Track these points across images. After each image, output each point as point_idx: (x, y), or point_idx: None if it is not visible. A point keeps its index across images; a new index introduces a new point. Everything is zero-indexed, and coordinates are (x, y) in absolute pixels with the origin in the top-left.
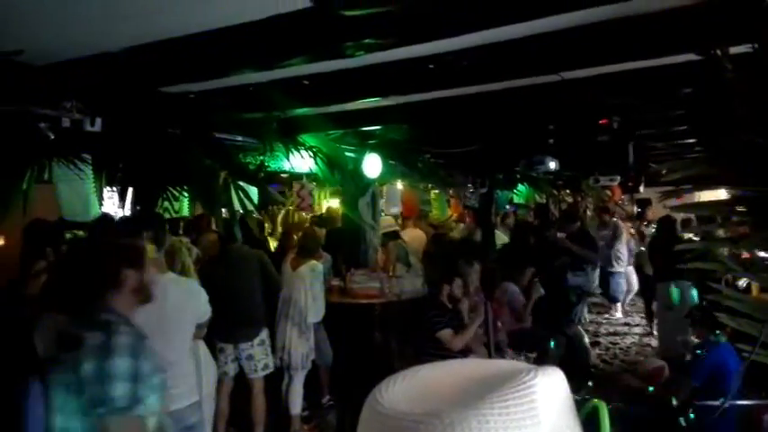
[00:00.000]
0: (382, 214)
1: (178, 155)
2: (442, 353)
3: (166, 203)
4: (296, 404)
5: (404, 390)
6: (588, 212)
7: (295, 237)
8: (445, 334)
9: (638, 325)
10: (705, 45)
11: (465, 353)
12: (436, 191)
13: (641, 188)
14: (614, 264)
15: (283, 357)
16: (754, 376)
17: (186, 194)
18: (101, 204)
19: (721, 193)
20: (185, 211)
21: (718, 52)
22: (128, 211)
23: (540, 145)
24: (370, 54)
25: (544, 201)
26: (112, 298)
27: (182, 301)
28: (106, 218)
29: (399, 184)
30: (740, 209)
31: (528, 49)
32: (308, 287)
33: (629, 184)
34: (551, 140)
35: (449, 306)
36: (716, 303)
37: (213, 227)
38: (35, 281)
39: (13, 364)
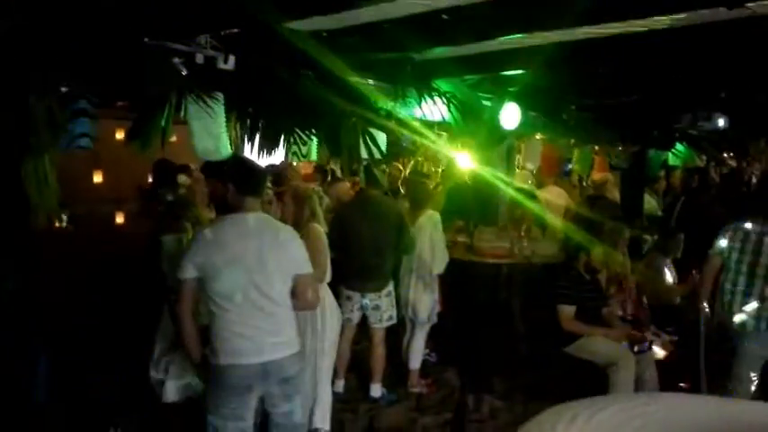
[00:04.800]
0: (516, 170)
1: (308, 97)
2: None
3: (294, 147)
4: (416, 359)
5: None
6: (754, 180)
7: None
8: (565, 309)
9: None
10: None
11: (603, 324)
12: (579, 148)
13: None
14: None
15: (408, 312)
16: None
17: (315, 138)
18: (232, 144)
19: None
20: (313, 156)
21: None
22: (255, 152)
23: (708, 98)
24: None
25: (704, 164)
26: None
27: (276, 243)
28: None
29: (539, 138)
30: None
31: None
32: (429, 238)
33: None
34: (723, 93)
35: (586, 277)
36: None
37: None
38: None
39: None
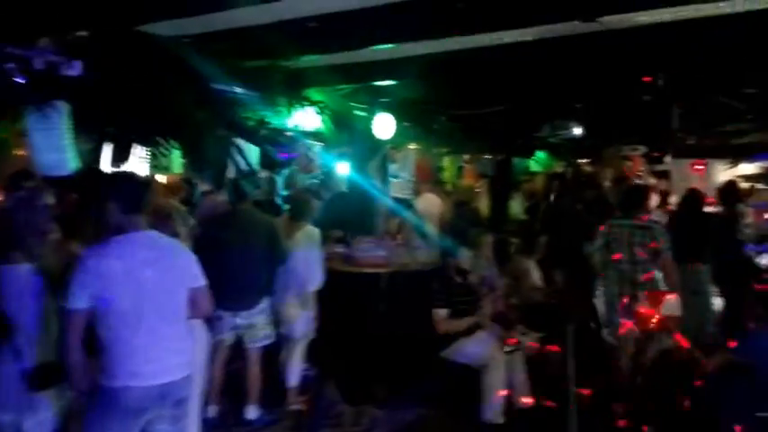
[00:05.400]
0: (393, 179)
1: (166, 104)
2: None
3: (155, 159)
4: (295, 376)
5: None
6: (607, 183)
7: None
8: (438, 313)
9: None
10: None
11: (473, 329)
12: (449, 157)
13: (668, 159)
14: None
15: (283, 329)
16: None
17: (177, 149)
18: (81, 158)
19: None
20: (176, 169)
21: None
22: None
23: (565, 108)
24: None
25: (562, 170)
26: None
27: (170, 260)
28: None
29: (413, 148)
30: None
31: None
32: (305, 254)
33: (654, 154)
34: (578, 104)
35: (457, 280)
36: None
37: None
38: None
39: None
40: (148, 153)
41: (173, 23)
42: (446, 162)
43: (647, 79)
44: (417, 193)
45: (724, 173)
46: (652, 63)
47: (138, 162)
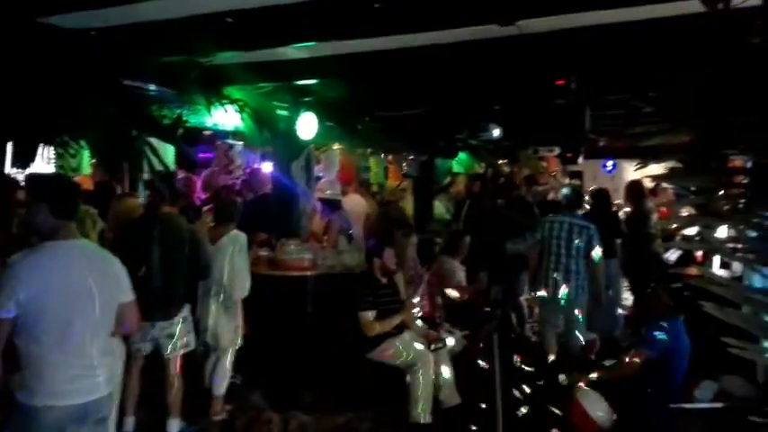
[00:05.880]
0: (318, 180)
1: (75, 102)
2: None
3: (61, 160)
4: (221, 385)
5: None
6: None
7: None
8: (364, 316)
9: None
10: None
11: (400, 328)
12: (374, 157)
13: (580, 159)
14: None
15: (209, 338)
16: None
17: (85, 149)
18: None
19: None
20: (85, 170)
21: None
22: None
23: (485, 110)
24: None
25: (483, 171)
26: None
27: (103, 272)
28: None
29: (336, 148)
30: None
31: None
32: (230, 261)
33: (568, 155)
34: (497, 106)
35: (383, 281)
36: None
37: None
38: None
39: None
40: (55, 153)
41: (79, 15)
42: (371, 162)
43: (559, 83)
44: (343, 193)
45: (633, 173)
46: (565, 66)
47: (44, 163)
